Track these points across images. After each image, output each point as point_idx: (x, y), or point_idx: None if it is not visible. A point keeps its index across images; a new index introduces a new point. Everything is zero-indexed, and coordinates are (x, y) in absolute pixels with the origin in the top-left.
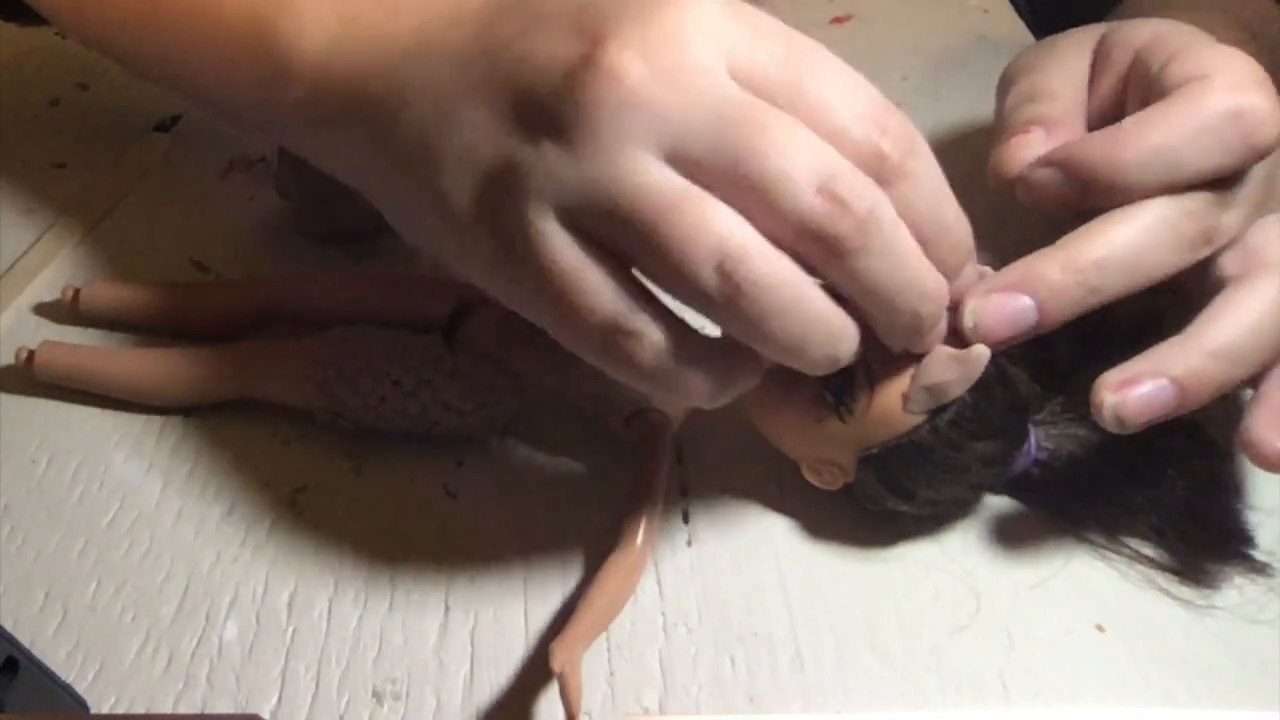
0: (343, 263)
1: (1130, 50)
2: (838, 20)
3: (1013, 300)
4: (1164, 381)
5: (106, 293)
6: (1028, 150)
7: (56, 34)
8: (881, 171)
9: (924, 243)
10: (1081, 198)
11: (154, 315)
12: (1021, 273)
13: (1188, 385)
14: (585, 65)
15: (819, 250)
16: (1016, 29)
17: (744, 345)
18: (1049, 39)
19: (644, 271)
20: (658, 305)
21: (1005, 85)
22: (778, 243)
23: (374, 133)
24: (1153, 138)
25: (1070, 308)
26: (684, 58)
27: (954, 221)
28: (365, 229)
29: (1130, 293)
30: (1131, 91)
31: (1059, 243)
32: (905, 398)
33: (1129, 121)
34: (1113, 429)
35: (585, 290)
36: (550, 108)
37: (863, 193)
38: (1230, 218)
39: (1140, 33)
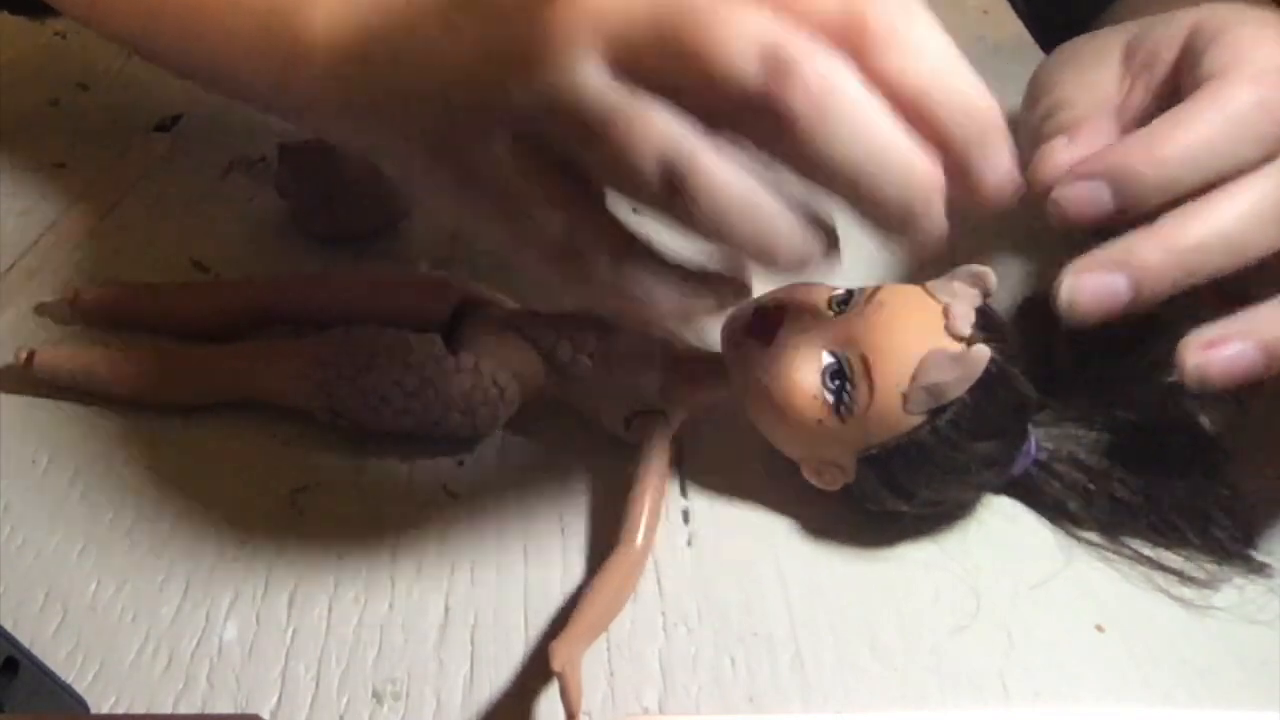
0: (343, 263)
1: (1174, 48)
2: None
3: (1110, 278)
4: (1248, 346)
5: (106, 293)
6: (1054, 160)
7: (56, 34)
8: (863, 40)
9: (927, 117)
10: (1121, 206)
11: (154, 315)
12: (1121, 252)
13: (1276, 352)
14: None
15: (770, 131)
16: (1016, 29)
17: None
18: (1072, 45)
19: (600, 182)
20: (610, 221)
21: (1031, 99)
22: (728, 131)
23: (377, 98)
24: (1188, 135)
25: (1166, 290)
26: None
27: (963, 88)
28: (365, 229)
29: (1223, 274)
30: (1185, 89)
31: (1156, 223)
32: (905, 398)
33: (1159, 123)
34: (1192, 387)
35: (532, 207)
36: (511, 31)
37: (815, 58)
38: None
39: (1178, 27)
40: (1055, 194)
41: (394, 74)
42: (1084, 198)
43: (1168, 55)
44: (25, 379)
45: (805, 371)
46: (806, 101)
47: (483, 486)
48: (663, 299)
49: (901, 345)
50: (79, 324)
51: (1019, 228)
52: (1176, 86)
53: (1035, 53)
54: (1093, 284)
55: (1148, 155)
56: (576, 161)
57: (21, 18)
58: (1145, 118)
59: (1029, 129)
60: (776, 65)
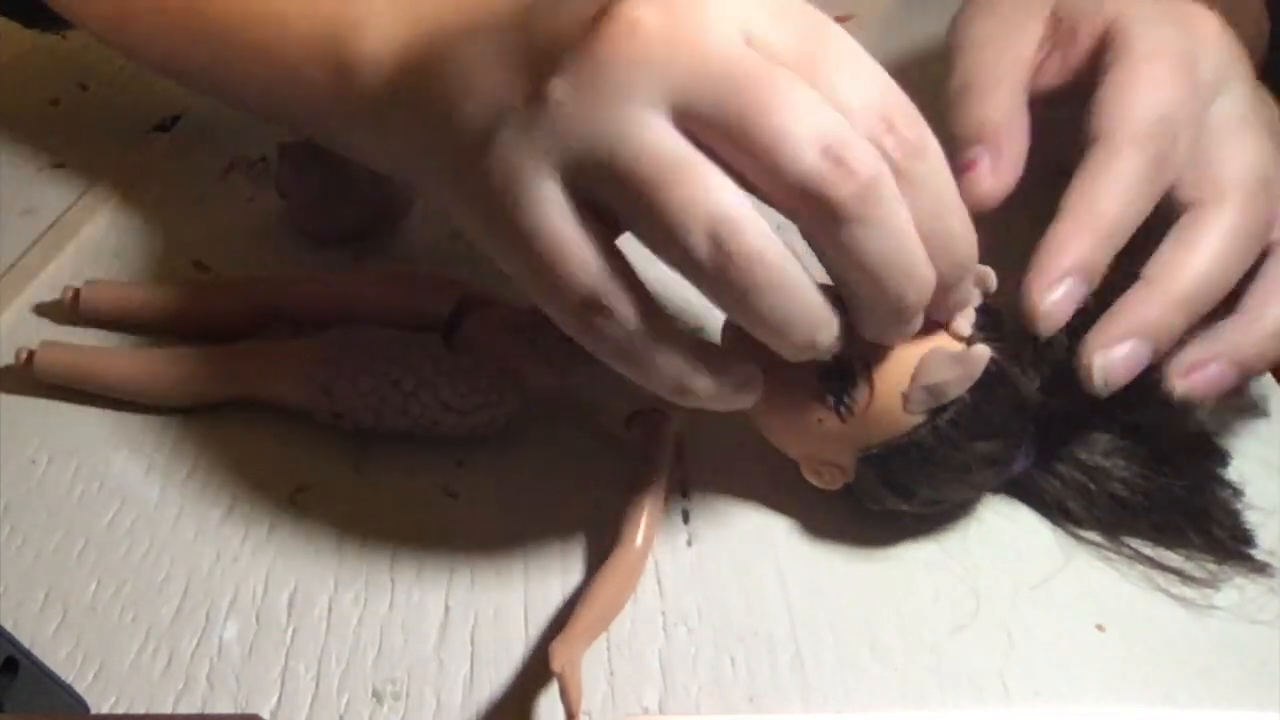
0: (343, 263)
1: (1094, 35)
2: (838, 20)
3: (1133, 347)
4: (1226, 365)
5: (106, 293)
6: (982, 185)
7: (57, 34)
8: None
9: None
10: (1093, 289)
11: (154, 315)
12: (1127, 320)
13: (1251, 366)
14: (603, 15)
15: (815, 216)
16: None
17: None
18: None
19: (636, 234)
20: (636, 283)
21: (951, 49)
22: (776, 207)
23: (417, 114)
24: (1107, 208)
25: (1177, 335)
26: (703, 17)
27: (958, 232)
28: (365, 229)
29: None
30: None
31: (1148, 276)
32: (905, 397)
33: (1071, 203)
34: (1180, 407)
35: (568, 258)
36: (565, 58)
37: (867, 160)
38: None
39: (1101, 15)
40: (1043, 310)
41: (443, 96)
42: (1067, 300)
43: (1086, 41)
44: (25, 379)
45: (805, 371)
46: (857, 200)
47: (483, 487)
48: (674, 371)
49: (902, 345)
50: (79, 324)
51: (1019, 227)
52: (1090, 70)
53: None
54: (1121, 357)
55: (1094, 238)
56: (613, 213)
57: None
58: (1056, 93)
59: (944, 98)
60: (836, 160)
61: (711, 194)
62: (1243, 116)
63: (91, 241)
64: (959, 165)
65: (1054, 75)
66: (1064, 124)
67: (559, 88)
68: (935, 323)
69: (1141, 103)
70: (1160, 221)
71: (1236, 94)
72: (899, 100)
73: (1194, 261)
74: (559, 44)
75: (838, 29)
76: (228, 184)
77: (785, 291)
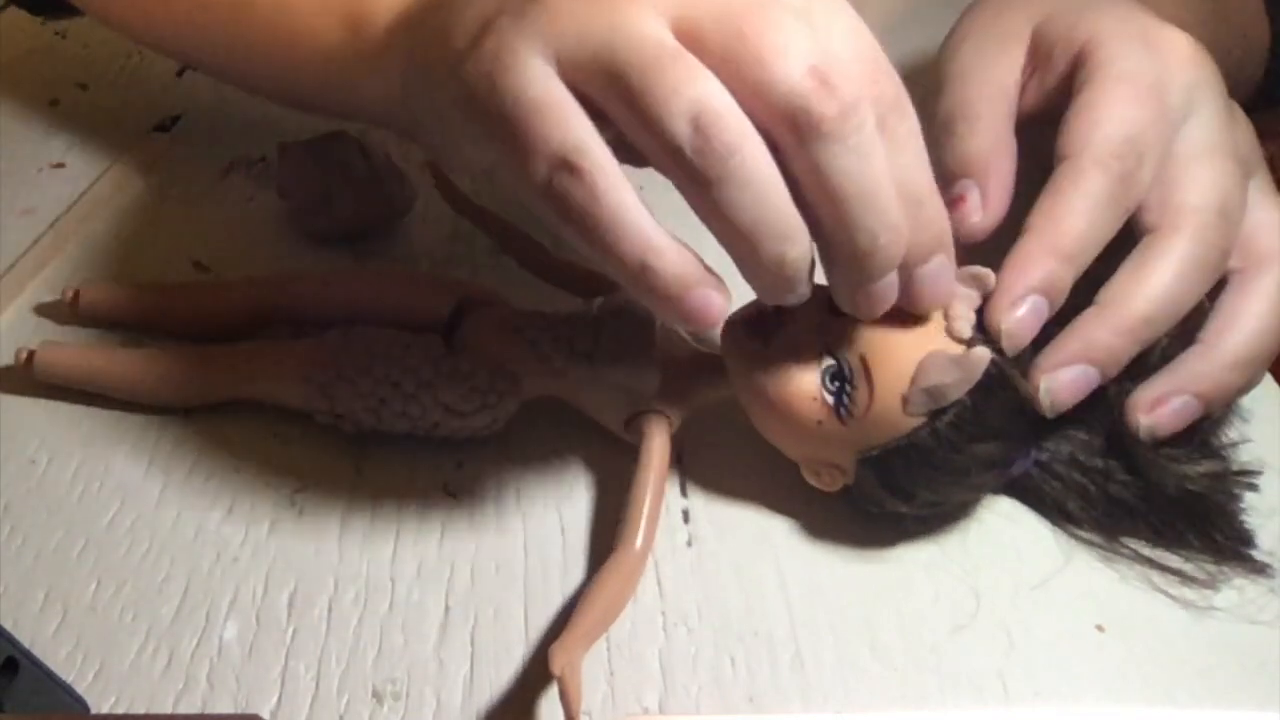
0: (343, 263)
1: (1067, 58)
2: None
3: (1080, 371)
4: (1189, 397)
5: (106, 293)
6: (970, 219)
7: (57, 34)
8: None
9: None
10: (1056, 308)
11: (154, 315)
12: (1078, 344)
13: (1212, 397)
14: None
15: (796, 134)
16: None
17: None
18: (983, 18)
19: (620, 122)
20: (609, 154)
21: (939, 76)
22: (757, 123)
23: (420, 40)
24: (1070, 226)
25: (1126, 360)
26: None
27: (930, 199)
28: (365, 229)
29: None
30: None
31: (1101, 300)
32: (905, 399)
33: (1037, 219)
34: (1147, 441)
35: (546, 113)
36: None
37: (852, 87)
38: (1240, 221)
39: (1074, 38)
40: (1006, 328)
41: (446, 14)
42: (1031, 318)
43: (1061, 64)
44: (25, 379)
45: (805, 373)
46: (838, 118)
47: (483, 486)
48: (637, 244)
49: (901, 347)
50: (79, 324)
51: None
52: (1064, 91)
53: None
54: (1067, 379)
55: (1057, 257)
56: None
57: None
58: (1037, 115)
59: (933, 129)
60: (823, 80)
61: (698, 83)
62: (1209, 143)
63: (91, 241)
64: (948, 199)
65: (1033, 98)
66: (1050, 144)
67: None
68: (935, 325)
69: (1108, 123)
70: (1129, 247)
71: (1205, 118)
72: (888, 67)
73: (1145, 289)
74: None
75: None
76: (228, 184)
77: (757, 188)
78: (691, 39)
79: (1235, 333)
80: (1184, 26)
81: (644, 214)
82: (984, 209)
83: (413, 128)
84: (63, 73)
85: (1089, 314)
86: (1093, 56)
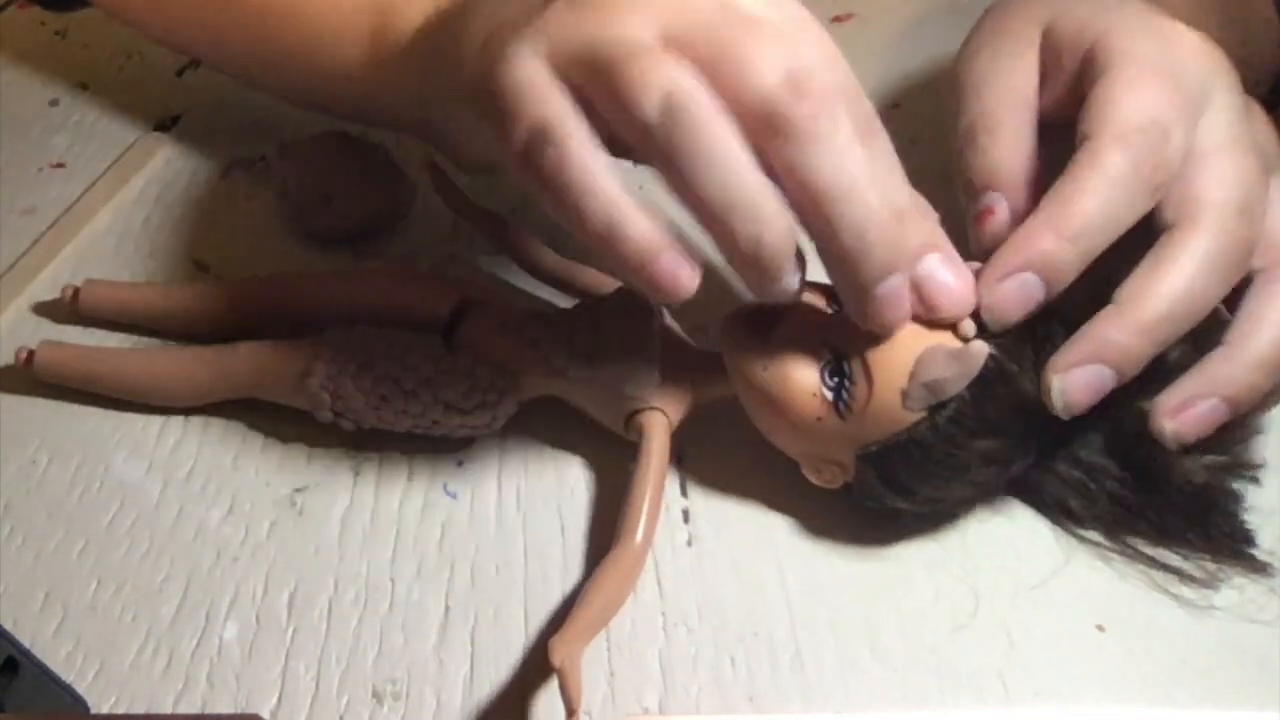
0: (343, 263)
1: (1077, 58)
2: (838, 19)
3: (1094, 371)
4: (1215, 401)
5: (106, 293)
6: (1000, 232)
7: (57, 34)
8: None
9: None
10: (1052, 291)
11: (154, 315)
12: (1093, 344)
13: (1240, 400)
14: None
15: (774, 134)
16: None
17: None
18: (993, 20)
19: (600, 106)
20: (588, 129)
21: (956, 87)
22: (740, 129)
23: (438, 45)
24: (1086, 205)
25: (1144, 361)
26: None
27: (907, 207)
28: (365, 229)
29: (1183, 330)
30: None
31: (1118, 299)
32: (904, 394)
33: (1052, 201)
34: (1173, 448)
35: (526, 97)
36: None
37: (829, 90)
38: (1263, 217)
39: (1084, 36)
40: (987, 301)
41: (463, 23)
42: (1018, 295)
43: (1070, 64)
44: (25, 379)
45: (804, 368)
46: (810, 118)
47: (483, 486)
48: (606, 206)
49: (900, 342)
50: (79, 323)
51: None
52: (1079, 93)
53: None
54: (1082, 381)
55: (1059, 235)
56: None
57: (23, 14)
58: (1053, 116)
59: (953, 142)
60: (797, 87)
61: (671, 70)
62: (1228, 136)
63: (91, 241)
64: (976, 212)
65: (1046, 102)
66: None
67: (563, 3)
68: (935, 320)
69: (1127, 103)
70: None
71: (1222, 110)
72: (860, 89)
73: (1164, 287)
74: None
75: (814, 22)
76: (228, 184)
77: (725, 165)
78: (677, 49)
79: (1261, 333)
80: (1195, 26)
81: (613, 181)
82: (1013, 221)
83: (424, 128)
84: (63, 73)
85: (1105, 313)
86: (1105, 50)
